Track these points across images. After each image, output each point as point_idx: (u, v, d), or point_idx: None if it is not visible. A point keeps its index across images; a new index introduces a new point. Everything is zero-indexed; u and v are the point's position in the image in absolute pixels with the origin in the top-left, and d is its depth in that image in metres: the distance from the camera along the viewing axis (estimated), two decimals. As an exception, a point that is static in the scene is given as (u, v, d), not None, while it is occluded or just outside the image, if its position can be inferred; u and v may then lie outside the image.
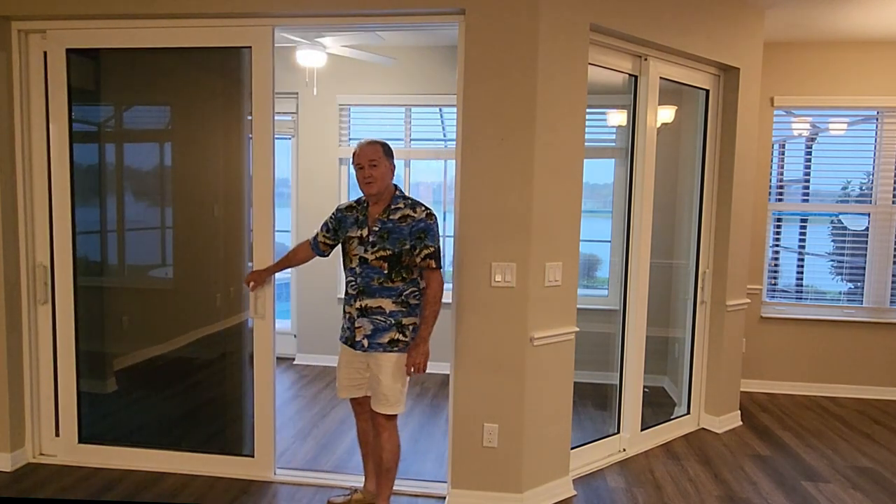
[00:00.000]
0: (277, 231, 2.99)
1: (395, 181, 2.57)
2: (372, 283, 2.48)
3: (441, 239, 2.54)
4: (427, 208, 2.50)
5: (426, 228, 2.46)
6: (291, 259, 2.84)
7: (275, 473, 3.04)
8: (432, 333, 2.50)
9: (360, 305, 2.50)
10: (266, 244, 2.91)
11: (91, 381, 3.18)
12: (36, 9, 2.86)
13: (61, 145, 3.00)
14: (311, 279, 5.08)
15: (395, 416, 2.55)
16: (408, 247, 2.45)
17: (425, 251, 2.45)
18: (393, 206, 2.49)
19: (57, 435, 3.19)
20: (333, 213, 2.69)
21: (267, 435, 3.01)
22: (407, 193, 2.63)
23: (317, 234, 2.73)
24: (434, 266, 2.46)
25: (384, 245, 2.46)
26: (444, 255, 2.61)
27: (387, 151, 2.50)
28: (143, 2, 2.80)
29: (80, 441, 3.15)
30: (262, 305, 2.93)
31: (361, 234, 2.51)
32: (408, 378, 2.53)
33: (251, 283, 2.86)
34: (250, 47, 2.84)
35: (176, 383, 3.24)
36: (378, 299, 2.48)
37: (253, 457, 3.03)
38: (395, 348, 2.48)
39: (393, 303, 2.48)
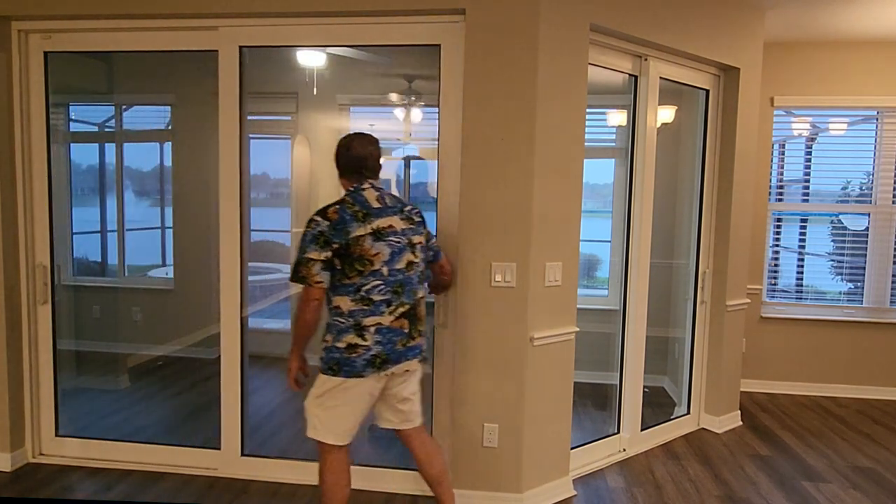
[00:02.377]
0: (277, 231, 2.98)
1: (391, 181, 2.48)
2: None
3: (314, 245, 2.13)
4: (316, 211, 2.18)
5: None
6: None
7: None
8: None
9: None
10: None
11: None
12: (36, 9, 2.86)
13: (232, 140, 2.90)
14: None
15: (323, 444, 2.24)
16: None
17: None
18: None
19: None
20: None
21: (445, 449, 2.83)
22: (404, 193, 2.56)
23: None
24: (290, 279, 2.17)
25: None
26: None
27: (335, 153, 2.31)
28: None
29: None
30: (444, 315, 2.81)
31: None
32: (330, 403, 2.20)
33: None
34: (439, 45, 2.75)
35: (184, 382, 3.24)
36: None
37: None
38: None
39: None
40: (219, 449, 3.05)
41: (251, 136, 2.93)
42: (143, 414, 3.43)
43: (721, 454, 3.48)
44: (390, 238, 2.20)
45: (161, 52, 2.93)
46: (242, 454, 3.05)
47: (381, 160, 2.35)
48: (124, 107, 3.30)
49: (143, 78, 3.26)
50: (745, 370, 4.64)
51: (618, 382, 3.43)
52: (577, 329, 2.93)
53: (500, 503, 2.79)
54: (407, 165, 5.07)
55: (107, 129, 3.24)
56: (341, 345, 2.17)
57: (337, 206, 2.17)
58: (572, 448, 3.06)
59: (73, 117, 3.22)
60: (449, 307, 2.79)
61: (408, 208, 2.32)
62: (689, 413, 3.85)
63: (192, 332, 3.19)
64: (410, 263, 2.27)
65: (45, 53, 2.99)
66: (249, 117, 2.90)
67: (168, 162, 3.21)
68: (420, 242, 2.33)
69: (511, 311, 2.71)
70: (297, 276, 2.14)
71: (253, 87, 2.99)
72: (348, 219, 2.14)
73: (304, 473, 3.02)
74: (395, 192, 3.06)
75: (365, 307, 2.17)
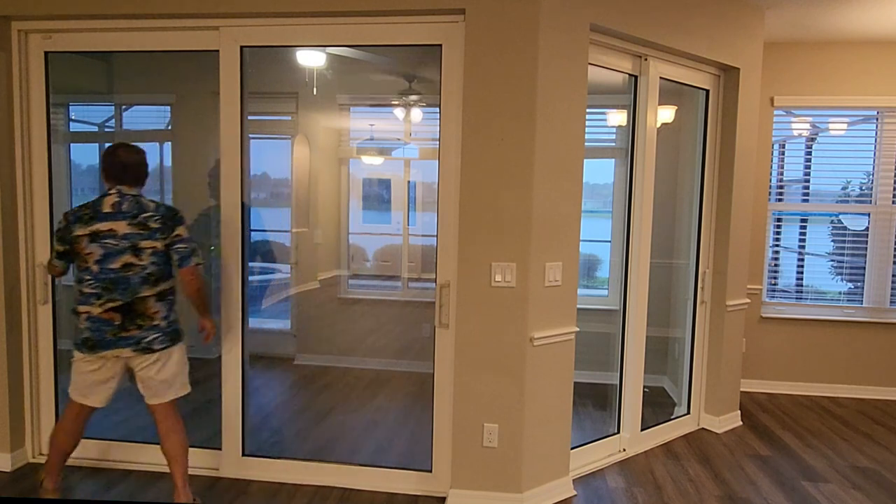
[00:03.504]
0: (277, 231, 2.98)
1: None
2: None
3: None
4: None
5: None
6: None
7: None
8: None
9: None
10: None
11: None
12: (36, 9, 2.86)
13: (233, 140, 2.91)
14: (312, 278, 5.07)
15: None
16: None
17: None
18: None
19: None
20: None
21: (445, 449, 2.91)
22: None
23: None
24: None
25: None
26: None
27: (101, 158, 2.52)
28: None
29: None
30: (447, 315, 2.83)
31: None
32: (74, 368, 2.60)
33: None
34: (440, 45, 2.75)
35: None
36: None
37: (431, 472, 2.94)
38: None
39: None
40: (219, 449, 3.05)
41: (251, 135, 2.93)
42: (144, 414, 3.43)
43: (721, 454, 3.48)
44: (106, 241, 2.43)
45: (161, 52, 2.93)
46: (243, 454, 3.05)
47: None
48: (124, 107, 3.31)
49: (143, 78, 3.26)
50: (745, 370, 4.64)
51: (618, 382, 3.43)
52: (578, 329, 2.93)
53: (500, 503, 2.79)
54: (406, 165, 5.06)
55: (107, 130, 3.24)
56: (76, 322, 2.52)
57: (77, 209, 2.46)
58: (572, 448, 3.06)
59: (73, 117, 3.22)
60: (449, 307, 2.79)
61: (145, 215, 2.47)
62: (689, 413, 3.85)
63: (191, 332, 3.20)
64: (129, 265, 2.46)
65: (46, 53, 2.99)
66: (249, 117, 2.90)
67: (168, 162, 3.21)
68: (152, 247, 2.47)
69: (511, 311, 2.71)
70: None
71: (253, 87, 3.00)
72: (74, 220, 2.44)
73: (304, 474, 3.03)
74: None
75: (80, 297, 2.48)
